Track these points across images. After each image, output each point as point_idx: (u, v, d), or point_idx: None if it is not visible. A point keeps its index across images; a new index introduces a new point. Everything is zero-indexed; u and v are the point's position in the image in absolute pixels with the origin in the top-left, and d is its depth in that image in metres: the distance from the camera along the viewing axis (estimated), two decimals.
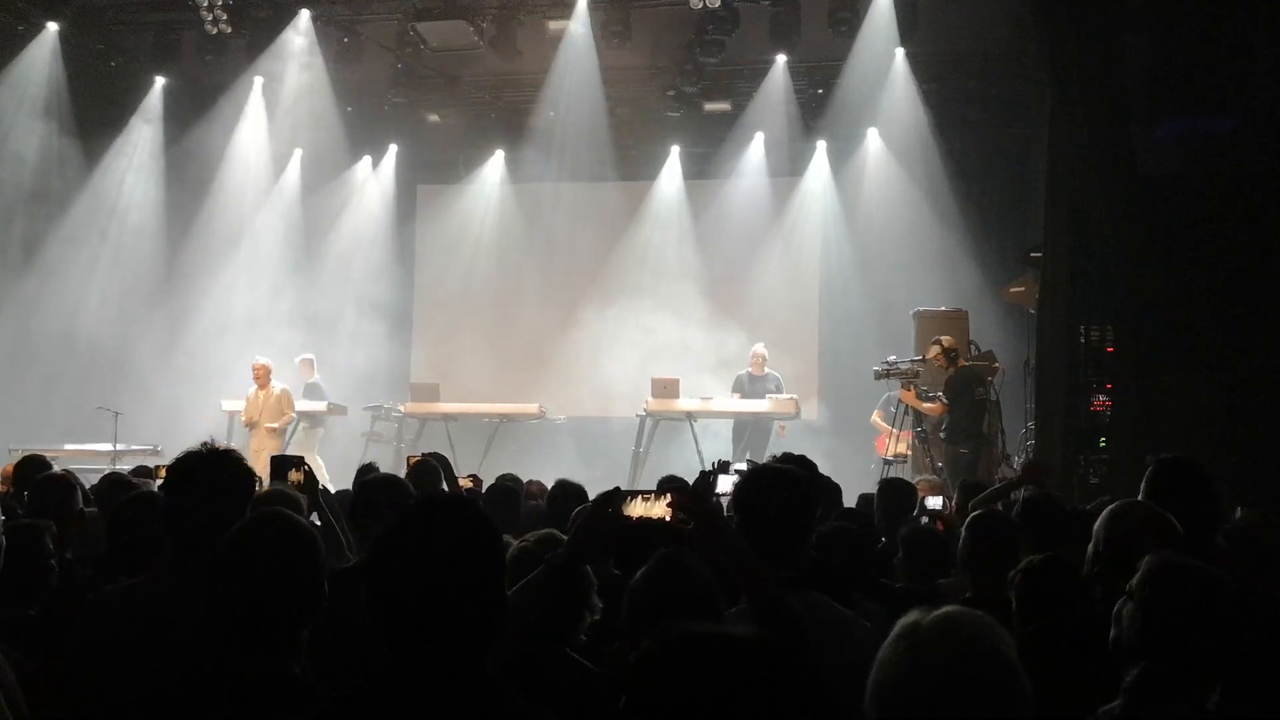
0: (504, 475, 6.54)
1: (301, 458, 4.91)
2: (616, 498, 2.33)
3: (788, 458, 4.37)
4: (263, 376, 11.77)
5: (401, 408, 13.14)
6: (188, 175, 13.90)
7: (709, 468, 5.43)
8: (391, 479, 4.13)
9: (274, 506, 2.52)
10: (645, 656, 1.49)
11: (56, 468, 5.20)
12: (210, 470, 2.77)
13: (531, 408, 12.69)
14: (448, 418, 12.74)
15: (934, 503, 5.69)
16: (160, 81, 13.46)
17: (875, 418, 11.41)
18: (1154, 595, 2.34)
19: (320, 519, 4.30)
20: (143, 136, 13.62)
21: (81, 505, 4.40)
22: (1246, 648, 2.37)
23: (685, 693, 1.44)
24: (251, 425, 11.72)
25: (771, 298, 13.65)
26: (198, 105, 13.48)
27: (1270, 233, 8.00)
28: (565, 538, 2.79)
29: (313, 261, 14.35)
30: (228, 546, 2.22)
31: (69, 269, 12.94)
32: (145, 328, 13.11)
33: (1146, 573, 2.39)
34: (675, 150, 14.32)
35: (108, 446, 11.34)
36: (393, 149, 14.90)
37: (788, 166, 13.86)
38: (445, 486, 5.44)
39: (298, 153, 14.41)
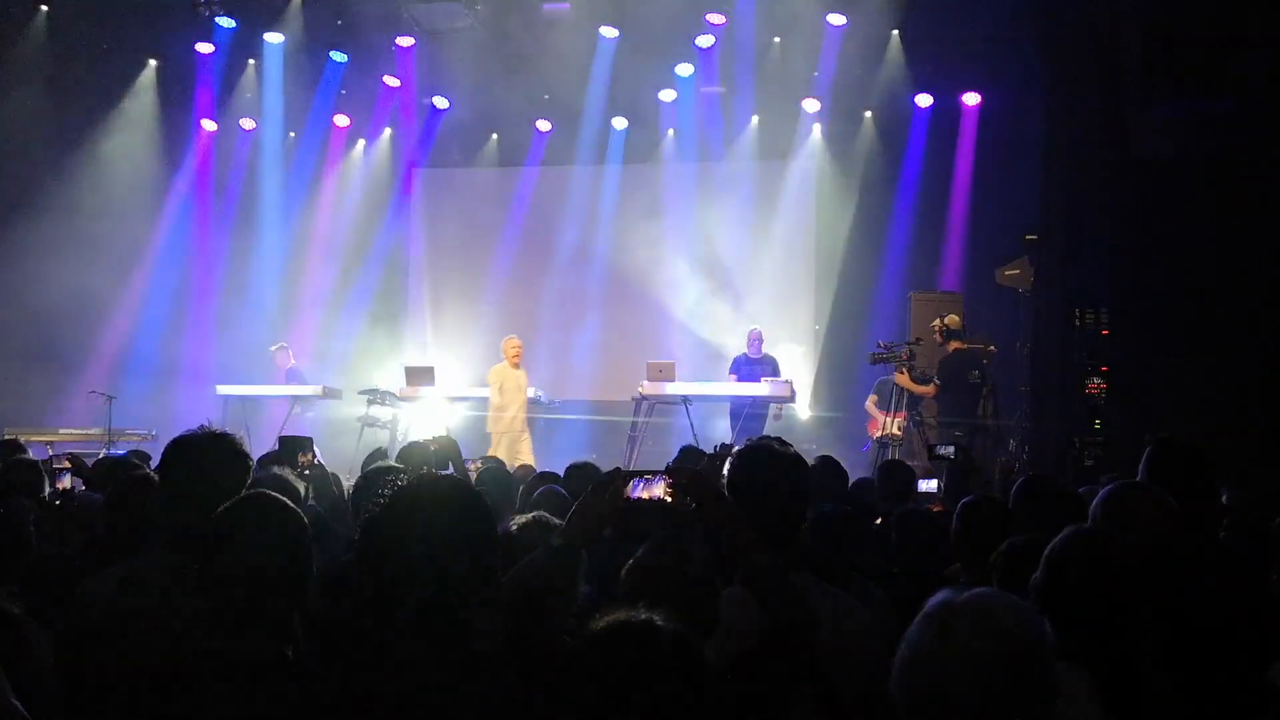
0: (487, 458, 6.55)
1: (310, 439, 4.87)
2: (617, 479, 2.33)
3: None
4: (520, 355, 11.07)
5: (396, 391, 13.09)
6: (180, 159, 13.83)
7: (713, 450, 5.42)
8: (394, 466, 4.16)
9: (265, 490, 2.52)
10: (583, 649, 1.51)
11: (52, 452, 5.20)
12: (206, 453, 2.77)
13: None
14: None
15: (928, 485, 5.70)
16: (152, 64, 13.39)
17: (869, 404, 11.40)
18: (1006, 578, 2.34)
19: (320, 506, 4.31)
20: (135, 119, 13.53)
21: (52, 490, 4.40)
22: (1107, 605, 2.33)
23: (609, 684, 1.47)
24: (502, 410, 10.86)
25: (767, 280, 13.62)
26: (190, 88, 13.41)
27: (1265, 216, 8.01)
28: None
29: (307, 245, 14.29)
30: (213, 528, 2.22)
31: (61, 251, 12.87)
32: (138, 311, 13.05)
33: (995, 559, 2.38)
34: (671, 132, 14.26)
35: (101, 430, 11.30)
36: (388, 133, 14.83)
37: (783, 148, 13.82)
38: (452, 470, 5.45)
39: (291, 136, 14.35)
